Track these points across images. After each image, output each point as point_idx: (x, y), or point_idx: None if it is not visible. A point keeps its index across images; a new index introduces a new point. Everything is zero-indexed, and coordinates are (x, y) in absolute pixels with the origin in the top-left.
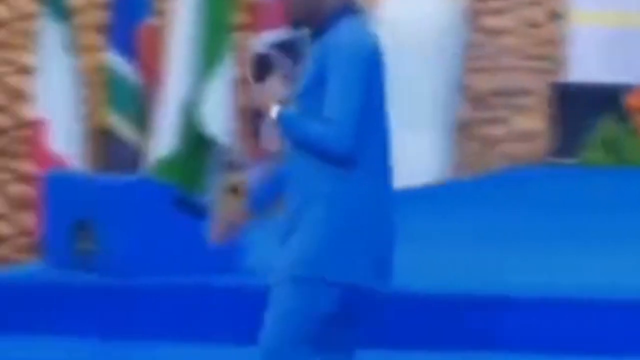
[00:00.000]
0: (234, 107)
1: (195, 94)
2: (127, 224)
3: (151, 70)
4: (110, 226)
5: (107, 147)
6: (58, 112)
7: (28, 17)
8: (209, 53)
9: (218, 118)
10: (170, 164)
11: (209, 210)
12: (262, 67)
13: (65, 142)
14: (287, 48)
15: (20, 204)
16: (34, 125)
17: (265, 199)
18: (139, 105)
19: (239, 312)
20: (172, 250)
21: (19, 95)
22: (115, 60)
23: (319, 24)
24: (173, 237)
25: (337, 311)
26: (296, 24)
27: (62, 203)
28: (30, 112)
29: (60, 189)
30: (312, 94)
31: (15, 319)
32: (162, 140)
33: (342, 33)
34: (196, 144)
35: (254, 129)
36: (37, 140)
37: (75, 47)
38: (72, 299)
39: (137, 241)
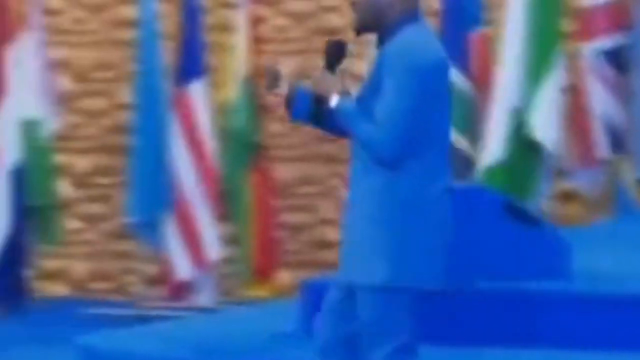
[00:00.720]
0: (563, 114)
1: (525, 101)
2: (460, 230)
3: (482, 78)
4: None
5: None
6: None
7: None
8: (539, 61)
9: (547, 125)
10: (500, 171)
11: (540, 217)
12: (335, 54)
13: None
14: None
15: None
16: None
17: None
18: (469, 112)
19: (569, 318)
20: (503, 256)
21: None
22: None
23: (383, 30)
24: (504, 243)
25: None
26: (362, 29)
27: None
28: None
29: None
30: (370, 98)
31: None
32: (492, 148)
33: (403, 41)
34: (526, 150)
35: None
36: None
37: None
38: None
39: (470, 247)
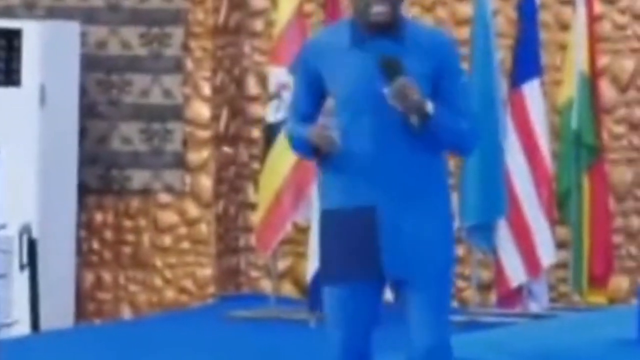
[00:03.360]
0: None
1: None
2: None
3: None
4: None
5: None
6: None
7: None
8: None
9: None
10: None
11: None
12: (391, 68)
13: None
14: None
15: None
16: None
17: None
18: None
19: None
20: None
21: None
22: None
23: (397, 20)
24: None
25: None
26: (393, 20)
27: None
28: None
29: None
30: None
31: None
32: None
33: (434, 31)
34: None
35: None
36: None
37: None
38: None
39: None
